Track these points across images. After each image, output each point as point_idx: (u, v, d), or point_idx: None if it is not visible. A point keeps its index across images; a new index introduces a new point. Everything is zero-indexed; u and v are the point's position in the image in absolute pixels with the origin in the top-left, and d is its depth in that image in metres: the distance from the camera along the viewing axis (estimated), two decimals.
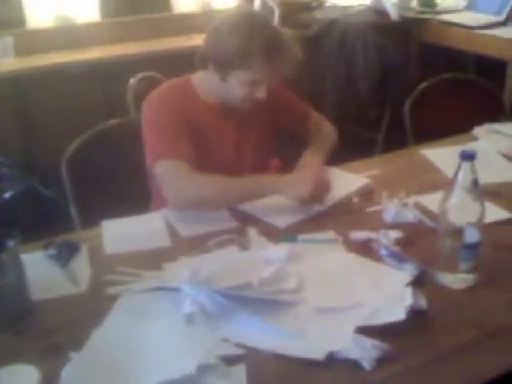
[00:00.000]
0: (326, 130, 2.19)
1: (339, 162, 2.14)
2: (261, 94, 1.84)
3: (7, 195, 3.37)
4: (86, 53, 3.78)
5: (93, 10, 4.00)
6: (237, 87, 1.84)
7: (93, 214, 1.93)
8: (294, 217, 1.75)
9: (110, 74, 3.57)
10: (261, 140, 2.06)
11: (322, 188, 1.78)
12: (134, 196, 2.12)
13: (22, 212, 3.34)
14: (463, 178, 1.35)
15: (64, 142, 2.18)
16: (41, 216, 3.17)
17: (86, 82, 3.66)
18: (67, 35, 3.85)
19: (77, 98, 3.65)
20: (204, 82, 1.94)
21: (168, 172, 1.81)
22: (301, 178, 1.83)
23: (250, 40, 1.75)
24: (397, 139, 2.67)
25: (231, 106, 1.93)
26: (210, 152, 1.93)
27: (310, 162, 1.99)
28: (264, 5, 4.03)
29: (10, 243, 3.13)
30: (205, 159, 1.88)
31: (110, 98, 3.68)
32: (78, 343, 1.26)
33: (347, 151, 3.14)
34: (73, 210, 2.15)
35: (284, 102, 2.09)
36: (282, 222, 1.73)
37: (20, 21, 3.82)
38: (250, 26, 1.78)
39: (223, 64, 1.81)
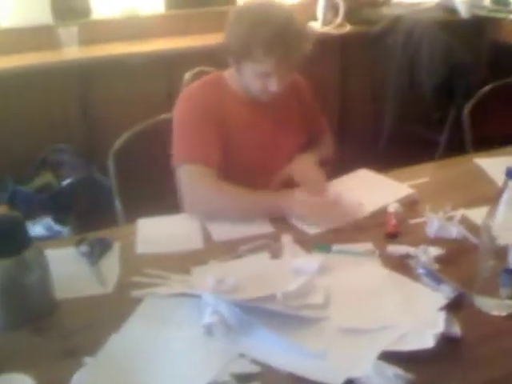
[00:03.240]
0: (329, 144, 2.18)
1: (397, 163, 2.08)
2: (272, 86, 1.82)
3: (66, 182, 3.42)
4: (150, 44, 3.79)
5: (158, 1, 4.01)
6: (251, 79, 1.83)
7: (137, 208, 1.93)
8: (326, 225, 1.68)
9: (173, 66, 3.56)
10: (296, 139, 2.03)
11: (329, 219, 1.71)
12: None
13: (79, 199, 3.39)
14: (509, 196, 1.25)
15: (124, 132, 2.19)
16: (98, 204, 3.20)
17: (149, 73, 3.67)
18: (131, 26, 3.87)
19: (139, 89, 3.67)
20: (232, 76, 1.94)
21: (189, 178, 1.81)
22: (314, 206, 1.74)
23: (252, 32, 1.73)
24: (460, 142, 2.56)
25: (265, 101, 1.91)
26: (245, 146, 1.91)
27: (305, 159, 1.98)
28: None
29: (63, 230, 3.17)
30: (239, 153, 1.89)
31: (171, 90, 3.66)
32: (94, 347, 1.23)
33: (408, 152, 3.04)
34: (117, 203, 2.15)
35: (313, 116, 2.12)
36: (312, 228, 1.67)
37: (86, 11, 3.86)
38: (254, 17, 1.76)
39: (233, 55, 1.81)
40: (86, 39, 3.71)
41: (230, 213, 1.76)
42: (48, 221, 3.19)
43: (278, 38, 1.72)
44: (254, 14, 1.77)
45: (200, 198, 1.79)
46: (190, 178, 1.81)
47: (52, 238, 2.92)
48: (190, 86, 1.98)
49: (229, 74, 1.95)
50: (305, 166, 1.94)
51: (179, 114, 1.92)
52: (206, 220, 1.74)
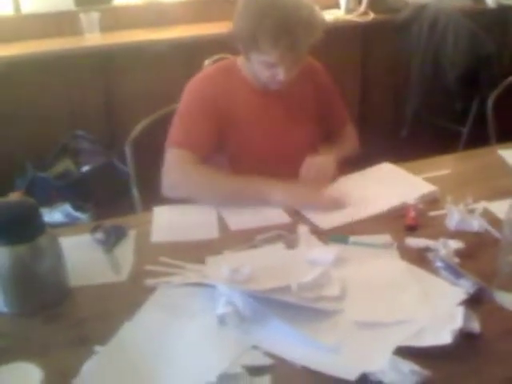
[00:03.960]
0: (353, 139, 2.15)
1: (419, 153, 2.04)
2: (279, 76, 1.80)
3: (85, 169, 3.43)
4: (170, 31, 3.78)
5: None
6: (258, 68, 1.82)
7: (154, 196, 1.92)
8: (340, 219, 1.64)
9: (194, 53, 3.53)
10: (310, 129, 2.00)
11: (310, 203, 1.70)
12: None
13: (98, 186, 3.39)
14: None
15: (144, 119, 2.18)
16: (117, 191, 3.20)
17: (169, 60, 3.66)
18: (152, 13, 3.85)
19: (159, 76, 3.66)
20: (245, 62, 1.91)
21: (171, 161, 1.82)
22: (293, 190, 1.74)
23: (258, 23, 1.70)
24: (484, 133, 2.51)
25: (278, 90, 1.89)
26: (255, 133, 1.90)
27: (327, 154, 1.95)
28: None
29: (83, 216, 3.17)
30: (249, 141, 1.89)
31: (191, 77, 3.66)
32: (106, 336, 1.22)
33: (430, 142, 3.00)
34: (134, 191, 2.15)
35: (331, 102, 2.08)
36: (326, 223, 1.63)
37: None
38: (260, 7, 1.72)
39: (241, 44, 1.80)
40: (107, 25, 3.70)
41: (207, 196, 1.77)
42: (67, 207, 3.19)
43: (284, 29, 1.68)
44: (261, 4, 1.73)
45: (177, 181, 1.80)
46: (171, 161, 1.82)
47: (71, 225, 2.93)
48: (201, 73, 1.98)
49: (241, 61, 1.94)
50: (314, 161, 1.89)
51: (182, 99, 1.92)
52: (221, 209, 1.72)
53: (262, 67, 1.79)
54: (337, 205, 1.68)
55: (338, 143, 2.06)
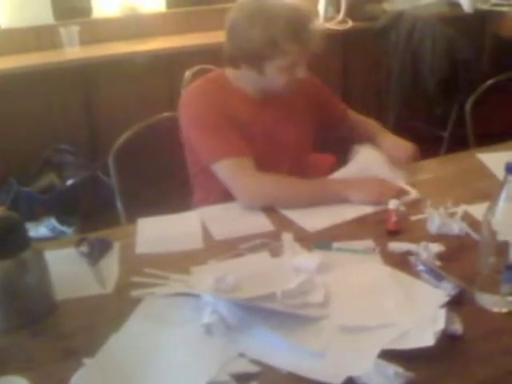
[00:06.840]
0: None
1: None
2: (301, 73, 1.83)
3: (69, 182, 3.42)
4: (151, 43, 3.79)
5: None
6: (276, 76, 1.83)
7: (139, 207, 1.93)
8: (326, 222, 1.67)
9: (174, 64, 3.56)
10: (301, 133, 2.03)
11: (388, 193, 1.75)
12: (181, 191, 2.10)
13: (83, 200, 3.39)
14: (509, 191, 1.24)
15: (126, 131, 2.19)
16: (102, 204, 3.20)
17: (150, 71, 3.67)
18: (132, 25, 3.87)
19: (140, 88, 3.66)
20: (238, 75, 1.92)
21: (234, 171, 1.81)
22: (368, 184, 1.82)
23: (271, 27, 1.73)
24: (464, 137, 2.54)
25: (270, 97, 1.92)
26: (250, 142, 1.90)
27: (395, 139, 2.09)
28: None
29: (68, 230, 3.15)
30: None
31: (173, 88, 3.67)
32: (94, 348, 1.22)
33: None
34: (118, 203, 2.15)
35: (325, 100, 2.12)
36: (313, 226, 1.66)
37: (86, 10, 3.86)
38: (265, 13, 1.75)
39: (255, 59, 1.80)
40: (87, 38, 3.71)
41: (286, 201, 1.78)
42: (52, 221, 3.19)
43: (299, 23, 1.75)
44: (265, 10, 1.75)
45: (253, 189, 1.79)
46: (233, 171, 1.81)
47: (56, 239, 2.92)
48: (195, 85, 1.98)
49: (233, 73, 1.93)
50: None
51: (194, 112, 1.91)
52: (207, 219, 1.73)
53: (278, 74, 1.82)
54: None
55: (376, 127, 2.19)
